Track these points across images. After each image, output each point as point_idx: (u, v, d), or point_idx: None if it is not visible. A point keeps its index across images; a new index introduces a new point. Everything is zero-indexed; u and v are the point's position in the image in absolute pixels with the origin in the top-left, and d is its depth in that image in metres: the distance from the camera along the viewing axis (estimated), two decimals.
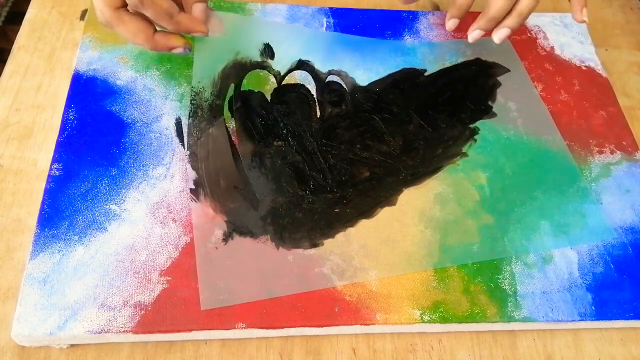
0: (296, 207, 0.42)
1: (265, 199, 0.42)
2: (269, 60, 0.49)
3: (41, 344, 0.36)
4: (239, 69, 0.48)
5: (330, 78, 0.49)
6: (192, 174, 0.42)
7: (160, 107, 0.46)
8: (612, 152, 0.48)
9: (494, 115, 0.49)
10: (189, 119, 0.45)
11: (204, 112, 0.45)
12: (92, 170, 0.42)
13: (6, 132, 0.45)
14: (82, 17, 0.52)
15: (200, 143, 0.44)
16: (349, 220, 0.41)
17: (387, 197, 0.43)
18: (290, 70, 0.49)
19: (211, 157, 0.43)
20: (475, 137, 0.47)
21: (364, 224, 0.41)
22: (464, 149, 0.46)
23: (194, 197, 0.41)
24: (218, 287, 0.37)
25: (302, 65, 0.50)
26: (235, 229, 0.40)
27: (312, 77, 0.49)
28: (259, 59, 0.49)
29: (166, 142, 0.44)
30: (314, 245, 0.40)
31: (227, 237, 0.40)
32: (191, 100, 0.46)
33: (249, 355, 0.37)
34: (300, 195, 0.42)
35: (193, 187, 0.42)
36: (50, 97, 0.47)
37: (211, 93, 0.46)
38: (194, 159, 0.43)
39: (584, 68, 0.54)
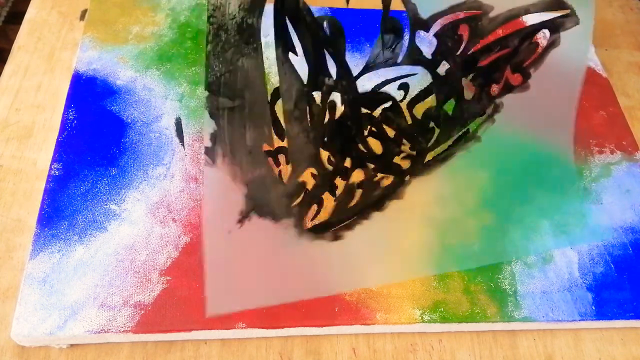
0: (327, 185, 0.34)
1: (297, 170, 0.33)
2: None
3: (41, 343, 0.36)
4: None
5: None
6: (211, 124, 0.32)
7: (160, 107, 0.45)
8: (612, 152, 0.48)
9: (527, 87, 0.42)
10: (207, 44, 0.32)
11: (230, 34, 0.32)
12: (92, 170, 0.41)
13: (6, 132, 0.45)
14: (82, 17, 0.52)
15: (225, 80, 0.32)
16: (363, 211, 0.38)
17: (394, 186, 0.40)
18: None
19: (239, 101, 0.32)
20: (495, 116, 0.43)
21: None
22: (479, 132, 0.44)
23: (209, 159, 0.33)
24: (225, 293, 0.36)
25: None
26: (255, 207, 0.33)
27: None
28: None
29: (166, 141, 0.44)
30: (336, 237, 0.37)
31: (243, 217, 0.33)
32: (209, 18, 0.32)
33: (249, 355, 0.37)
34: (338, 169, 0.33)
35: (209, 144, 0.33)
36: (50, 97, 0.47)
37: (239, 7, 0.32)
38: (213, 104, 0.32)
39: None
